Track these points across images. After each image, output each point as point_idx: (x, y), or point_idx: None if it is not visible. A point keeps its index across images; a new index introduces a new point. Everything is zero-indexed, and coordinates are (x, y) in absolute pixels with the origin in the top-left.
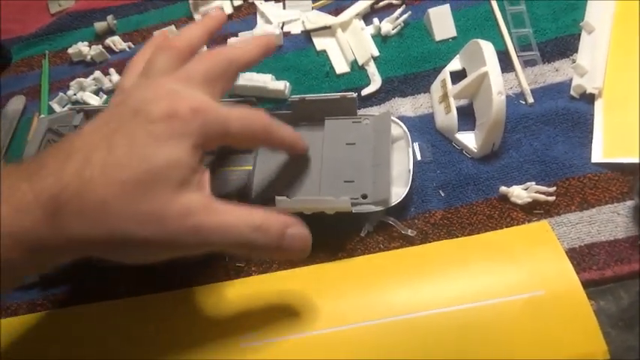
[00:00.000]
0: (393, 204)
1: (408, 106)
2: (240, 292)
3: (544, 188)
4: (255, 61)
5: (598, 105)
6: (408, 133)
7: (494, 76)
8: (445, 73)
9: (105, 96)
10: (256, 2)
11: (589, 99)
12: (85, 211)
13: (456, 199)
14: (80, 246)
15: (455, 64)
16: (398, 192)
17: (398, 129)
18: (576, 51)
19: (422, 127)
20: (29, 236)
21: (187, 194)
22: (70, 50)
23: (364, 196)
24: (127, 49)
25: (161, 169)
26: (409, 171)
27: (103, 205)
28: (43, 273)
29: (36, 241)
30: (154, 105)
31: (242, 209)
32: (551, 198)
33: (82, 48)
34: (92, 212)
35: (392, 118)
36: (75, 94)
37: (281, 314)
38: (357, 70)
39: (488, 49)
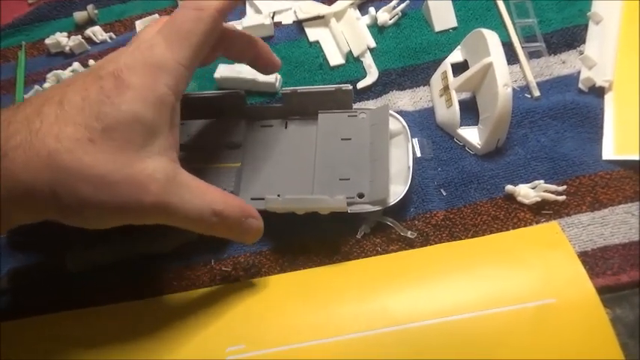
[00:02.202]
0: (392, 203)
1: (406, 99)
2: (225, 299)
3: (553, 187)
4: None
5: (608, 99)
6: (408, 128)
7: (499, 67)
8: (446, 65)
9: None
10: None
11: (599, 92)
12: (30, 161)
13: (459, 199)
14: (24, 200)
15: (456, 56)
16: (397, 191)
17: (396, 123)
18: (583, 42)
19: (421, 122)
20: None
21: (150, 160)
22: (48, 41)
23: (361, 195)
24: (109, 40)
25: (117, 127)
26: (409, 168)
27: (49, 157)
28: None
29: None
30: (109, 62)
31: (205, 189)
32: (562, 197)
33: (61, 39)
34: (37, 163)
35: (390, 111)
36: None
37: (270, 323)
38: (353, 61)
39: (492, 38)
